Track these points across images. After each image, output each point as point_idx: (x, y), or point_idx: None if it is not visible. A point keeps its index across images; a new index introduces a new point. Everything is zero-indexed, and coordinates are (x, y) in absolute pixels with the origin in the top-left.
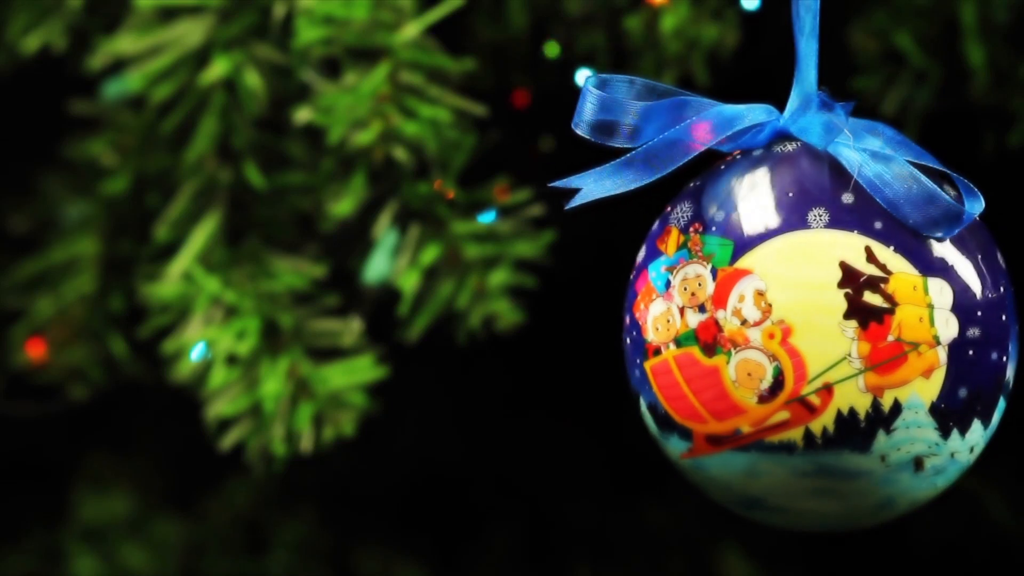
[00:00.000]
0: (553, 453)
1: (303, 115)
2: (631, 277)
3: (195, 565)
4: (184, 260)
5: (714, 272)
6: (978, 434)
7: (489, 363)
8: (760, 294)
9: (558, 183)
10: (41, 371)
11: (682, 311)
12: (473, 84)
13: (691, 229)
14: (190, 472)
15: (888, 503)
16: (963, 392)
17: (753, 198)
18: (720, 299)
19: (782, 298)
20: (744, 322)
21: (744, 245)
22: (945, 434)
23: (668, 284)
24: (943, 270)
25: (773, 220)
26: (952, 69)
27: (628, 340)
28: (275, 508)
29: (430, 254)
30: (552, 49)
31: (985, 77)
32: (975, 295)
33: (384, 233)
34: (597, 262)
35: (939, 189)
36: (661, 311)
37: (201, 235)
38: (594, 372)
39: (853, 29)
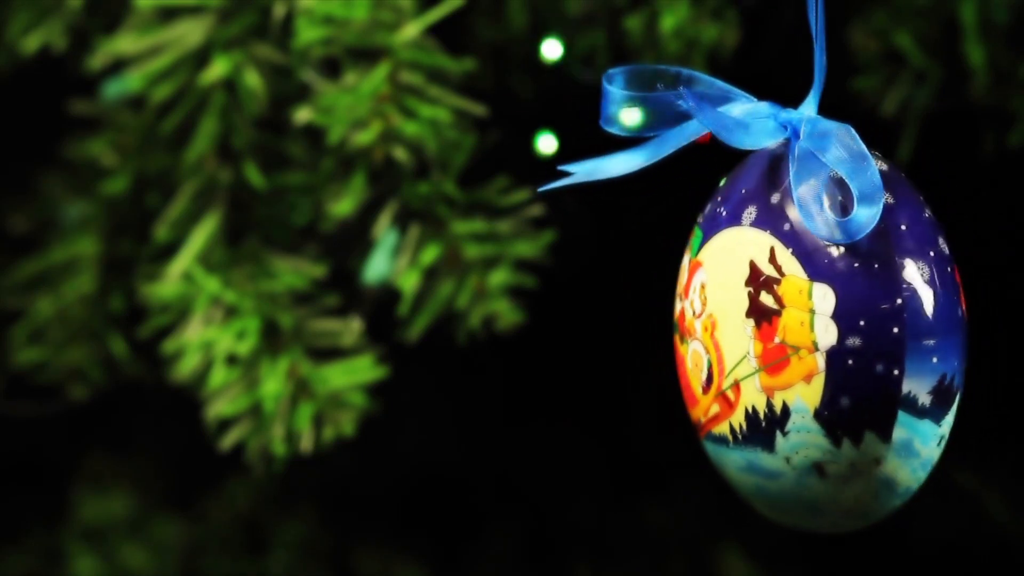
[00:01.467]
0: (553, 453)
1: (303, 115)
2: None
3: (195, 565)
4: (184, 260)
5: (689, 263)
6: (877, 447)
7: (489, 363)
8: (703, 287)
9: (567, 167)
10: (41, 371)
11: (676, 299)
12: (473, 84)
13: (697, 220)
14: (190, 472)
15: (813, 508)
16: (845, 401)
17: (724, 192)
18: (687, 289)
19: (713, 292)
20: (695, 313)
21: (706, 238)
22: (836, 443)
23: None
24: (830, 277)
25: (724, 215)
26: (952, 69)
27: (962, 334)
28: (275, 508)
29: (430, 254)
30: (552, 48)
31: (985, 77)
32: (861, 305)
33: (384, 233)
34: (597, 262)
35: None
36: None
37: (201, 235)
38: (594, 372)
39: (853, 29)
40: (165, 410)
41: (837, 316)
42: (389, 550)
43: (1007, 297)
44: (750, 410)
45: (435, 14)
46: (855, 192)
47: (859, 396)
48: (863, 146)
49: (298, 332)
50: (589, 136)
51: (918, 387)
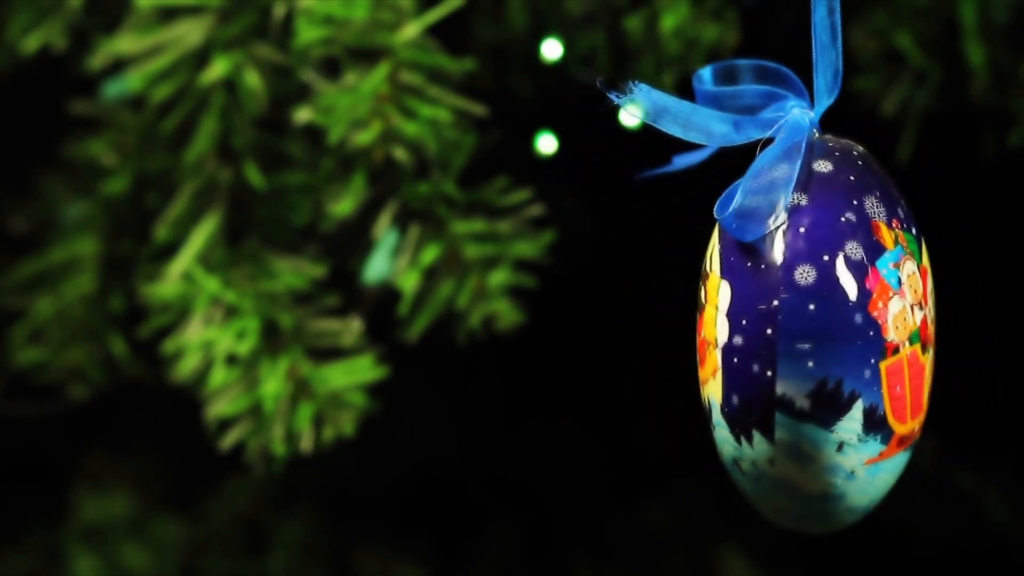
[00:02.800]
0: (553, 453)
1: (303, 115)
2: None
3: (195, 565)
4: (184, 260)
5: (919, 269)
6: (766, 447)
7: (489, 363)
8: (931, 291)
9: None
10: (41, 371)
11: (912, 308)
12: (473, 84)
13: (894, 225)
14: (190, 472)
15: (762, 503)
16: (735, 399)
17: (901, 196)
18: (927, 296)
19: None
20: (934, 320)
21: (920, 242)
22: (737, 440)
23: (900, 281)
24: (730, 273)
25: (917, 220)
26: (952, 69)
27: (859, 341)
28: (275, 508)
29: (430, 254)
30: (552, 48)
31: (985, 77)
32: (745, 304)
33: (384, 233)
34: (597, 262)
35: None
36: (899, 309)
37: (201, 235)
38: (594, 372)
39: (853, 29)
40: (165, 410)
41: (729, 314)
42: (389, 550)
43: (1007, 297)
44: None
45: (435, 14)
46: (743, 187)
47: (743, 395)
48: (797, 154)
49: (298, 332)
50: (589, 136)
51: (793, 390)
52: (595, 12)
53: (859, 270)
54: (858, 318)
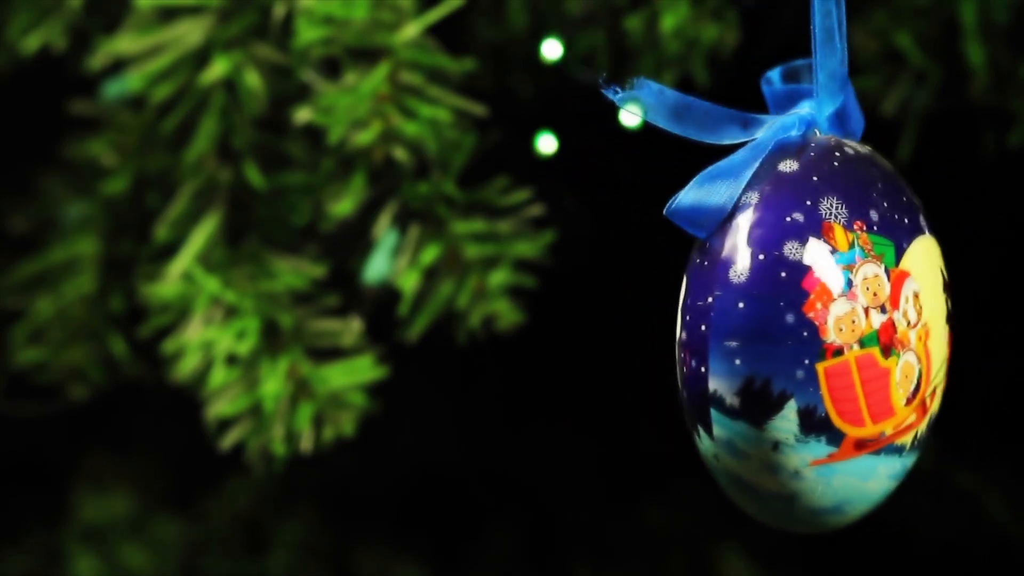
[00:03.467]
0: (553, 453)
1: (303, 115)
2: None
3: (195, 565)
4: (184, 260)
5: (887, 272)
6: (709, 443)
7: (489, 363)
8: (916, 296)
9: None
10: (41, 371)
11: (867, 311)
12: (473, 84)
13: (855, 227)
14: (190, 472)
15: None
16: (684, 394)
17: (890, 199)
18: (895, 300)
19: (928, 301)
20: (909, 324)
21: (900, 247)
22: (696, 433)
23: (850, 283)
24: (688, 268)
25: (909, 223)
26: (952, 69)
27: (789, 342)
28: (275, 508)
29: (430, 254)
30: (552, 48)
31: (985, 77)
32: (690, 299)
33: (384, 233)
34: (597, 262)
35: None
36: (844, 311)
37: (201, 235)
38: (594, 372)
39: (853, 29)
40: (165, 410)
41: (680, 309)
42: (389, 550)
43: (1007, 297)
44: (934, 415)
45: (435, 14)
46: (696, 182)
47: (689, 390)
48: (759, 152)
49: (298, 332)
50: (589, 136)
51: (723, 387)
52: (595, 12)
53: (796, 271)
54: (790, 318)
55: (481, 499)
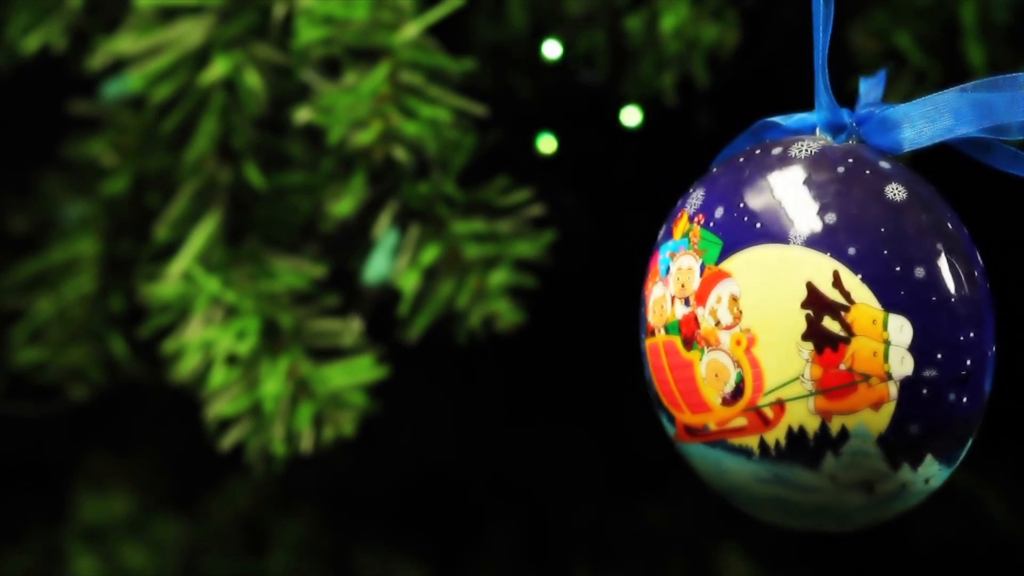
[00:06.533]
0: (553, 453)
1: (303, 115)
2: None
3: (195, 565)
4: (184, 260)
5: (702, 268)
6: (933, 468)
7: (489, 363)
8: (734, 299)
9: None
10: (41, 371)
11: (672, 300)
12: (473, 84)
13: (696, 219)
14: (190, 472)
15: (845, 518)
16: (915, 428)
17: (750, 201)
18: (702, 296)
19: (752, 307)
20: (718, 323)
21: (730, 247)
22: (894, 466)
23: (668, 270)
24: (907, 308)
25: (759, 227)
26: (952, 69)
27: (995, 347)
28: (275, 508)
29: (430, 254)
30: (553, 48)
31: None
32: (940, 337)
33: (384, 233)
34: (597, 262)
35: None
36: (659, 295)
37: (201, 235)
38: (594, 371)
39: (853, 29)
40: (165, 410)
41: (913, 348)
42: (389, 550)
43: (1007, 298)
44: (795, 429)
45: (435, 14)
46: None
47: (928, 423)
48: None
49: (298, 332)
50: (589, 136)
51: (976, 410)
52: (595, 12)
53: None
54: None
55: (481, 499)
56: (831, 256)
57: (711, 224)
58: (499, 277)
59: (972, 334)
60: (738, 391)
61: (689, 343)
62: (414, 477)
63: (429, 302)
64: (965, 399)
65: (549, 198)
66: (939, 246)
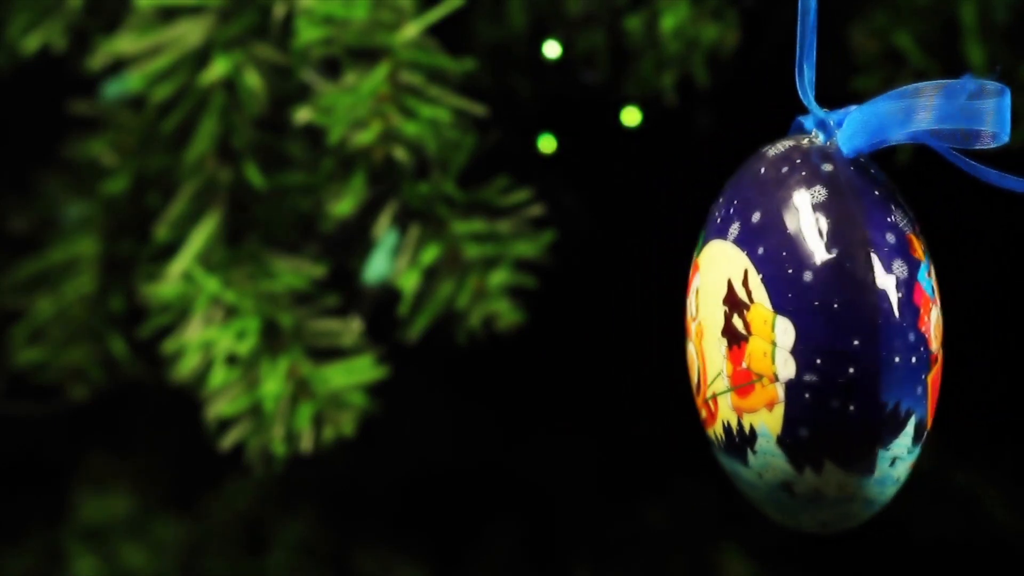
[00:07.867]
0: (553, 453)
1: (303, 115)
2: (900, 294)
3: (195, 565)
4: (184, 260)
5: (694, 261)
6: (839, 476)
7: (489, 363)
8: (697, 292)
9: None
10: (41, 371)
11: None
12: (473, 84)
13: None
14: (190, 472)
15: (792, 519)
16: (804, 432)
17: (723, 196)
18: (688, 287)
19: (703, 302)
20: (691, 315)
21: (705, 240)
22: (798, 469)
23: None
24: (793, 311)
25: (719, 222)
26: (952, 69)
27: (913, 359)
28: (275, 508)
29: (430, 254)
30: (553, 48)
31: (985, 77)
32: (817, 343)
33: (384, 233)
34: (597, 262)
35: None
36: (936, 318)
37: (201, 235)
38: (594, 372)
39: (853, 29)
40: (165, 410)
41: (795, 352)
42: (389, 550)
43: (1007, 298)
44: (725, 424)
45: (435, 14)
46: None
47: (817, 428)
48: None
49: (298, 332)
50: (589, 136)
51: (881, 420)
52: (595, 12)
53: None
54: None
55: (481, 499)
56: (747, 255)
57: (708, 217)
58: (499, 277)
59: (856, 343)
60: (698, 383)
61: (687, 332)
62: (414, 477)
63: (429, 302)
64: (852, 408)
65: (549, 198)
66: (836, 252)
